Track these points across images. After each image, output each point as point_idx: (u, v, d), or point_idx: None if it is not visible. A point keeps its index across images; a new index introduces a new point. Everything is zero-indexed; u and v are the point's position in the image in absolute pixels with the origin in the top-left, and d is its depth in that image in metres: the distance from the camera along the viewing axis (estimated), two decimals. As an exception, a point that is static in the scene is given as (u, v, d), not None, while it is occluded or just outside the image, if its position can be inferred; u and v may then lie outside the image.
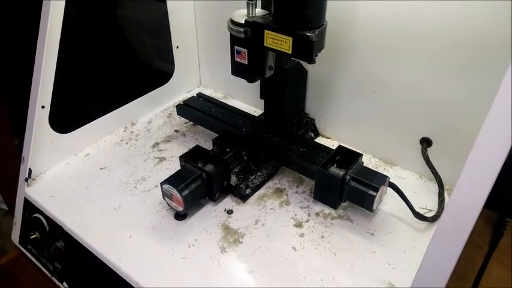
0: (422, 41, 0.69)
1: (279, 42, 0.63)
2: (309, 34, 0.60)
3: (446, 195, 0.73)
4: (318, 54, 0.64)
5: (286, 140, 0.82)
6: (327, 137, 0.92)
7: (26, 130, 0.79)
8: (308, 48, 0.61)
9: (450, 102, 0.71)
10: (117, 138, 0.93)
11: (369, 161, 0.85)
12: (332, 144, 0.89)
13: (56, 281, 0.77)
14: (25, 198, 0.80)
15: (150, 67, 1.05)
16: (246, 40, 0.67)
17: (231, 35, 0.70)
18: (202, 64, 1.09)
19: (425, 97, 0.73)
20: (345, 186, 0.70)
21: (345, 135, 0.89)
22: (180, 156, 0.75)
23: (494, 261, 0.78)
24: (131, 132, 0.95)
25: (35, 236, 0.78)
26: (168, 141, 0.92)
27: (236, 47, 0.70)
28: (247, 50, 0.69)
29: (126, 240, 0.69)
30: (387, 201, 0.74)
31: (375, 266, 0.64)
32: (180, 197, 0.68)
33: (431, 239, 0.40)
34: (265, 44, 0.65)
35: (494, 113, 0.36)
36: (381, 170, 0.82)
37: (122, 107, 0.94)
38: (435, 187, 0.75)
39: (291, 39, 0.62)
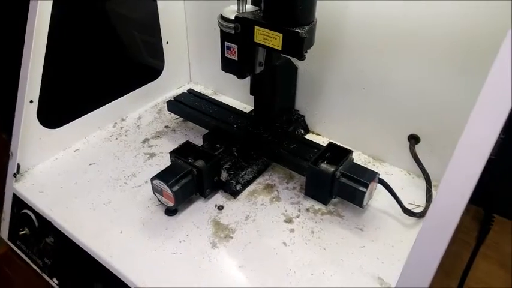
0: (411, 39, 0.70)
1: (269, 38, 0.63)
2: (299, 30, 0.61)
3: (434, 191, 0.75)
4: (308, 50, 0.65)
5: (277, 137, 0.82)
6: (317, 134, 0.93)
7: (14, 125, 0.78)
8: (298, 44, 0.61)
9: (438, 99, 0.72)
10: (106, 134, 0.92)
11: (358, 158, 0.86)
12: (322, 140, 0.90)
13: (46, 276, 0.77)
14: (14, 193, 0.80)
15: (140, 63, 1.04)
16: (236, 36, 0.67)
17: (221, 31, 0.70)
18: (192, 60, 1.09)
19: (414, 94, 0.74)
20: (335, 182, 0.70)
21: (334, 131, 0.90)
22: (170, 152, 0.75)
23: (481, 257, 0.79)
24: (121, 127, 0.94)
25: (24, 231, 0.77)
26: (158, 137, 0.92)
27: (226, 43, 0.70)
28: (238, 46, 0.69)
29: (116, 236, 0.69)
30: (376, 198, 0.75)
31: (364, 260, 0.65)
32: (171, 193, 0.68)
33: (417, 234, 0.41)
34: (255, 40, 0.65)
35: (478, 109, 0.37)
36: (369, 167, 0.83)
37: (112, 102, 0.94)
38: (423, 183, 0.76)
39: (281, 35, 0.62)
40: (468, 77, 0.67)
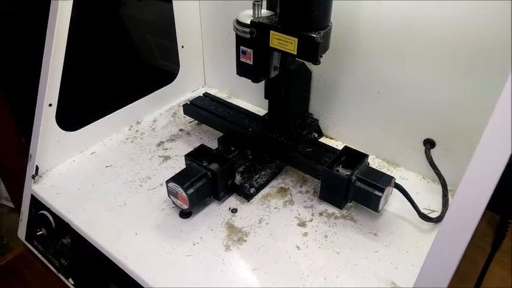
0: (426, 42, 0.70)
1: (284, 43, 0.64)
2: (314, 35, 0.61)
3: (449, 196, 0.74)
4: (323, 55, 0.65)
5: (292, 140, 0.82)
6: (331, 138, 0.93)
7: (33, 128, 0.80)
8: (313, 49, 0.62)
9: (454, 103, 0.71)
10: (122, 137, 0.94)
11: (372, 162, 0.85)
12: (336, 144, 0.90)
13: (62, 277, 0.78)
14: (32, 195, 0.81)
15: (156, 67, 1.05)
16: (251, 40, 0.68)
17: (237, 35, 0.70)
18: (207, 64, 1.10)
19: (429, 98, 0.74)
20: (350, 186, 0.70)
21: (348, 135, 0.90)
22: (185, 155, 0.76)
23: (496, 263, 0.78)
24: (136, 130, 0.96)
25: (41, 232, 0.79)
26: (173, 140, 0.93)
27: (241, 47, 0.71)
28: (253, 51, 0.70)
29: (131, 238, 0.70)
30: (391, 202, 0.75)
31: (378, 265, 0.65)
32: (185, 195, 0.69)
33: (434, 239, 0.40)
34: (270, 45, 0.66)
35: (497, 114, 0.37)
36: (384, 171, 0.82)
37: (128, 105, 0.95)
38: (438, 188, 0.75)
39: (296, 40, 0.62)
40: (485, 81, 0.66)
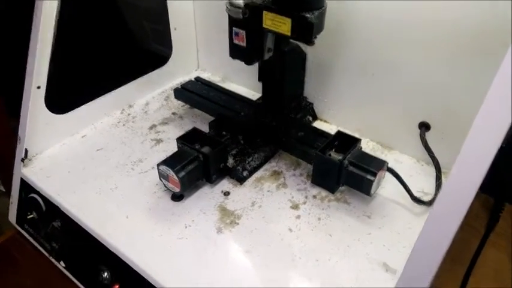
0: (422, 24, 0.69)
1: (278, 23, 0.62)
2: (308, 15, 0.60)
3: (443, 179, 0.73)
4: (317, 36, 0.64)
5: (284, 124, 0.81)
6: (325, 121, 0.92)
7: (21, 110, 0.78)
8: (307, 30, 0.60)
9: (450, 85, 0.71)
10: (114, 120, 0.92)
11: (366, 145, 0.85)
12: (330, 128, 0.89)
13: (53, 260, 0.78)
14: (21, 178, 0.80)
15: (147, 49, 1.04)
16: (244, 21, 0.67)
17: (229, 16, 0.69)
18: (200, 47, 1.08)
19: (425, 80, 0.73)
20: (343, 170, 0.70)
21: (343, 119, 0.89)
22: (177, 138, 0.75)
23: (491, 245, 0.78)
24: (128, 114, 0.94)
25: (32, 216, 0.78)
26: (166, 123, 0.92)
27: (234, 29, 0.69)
28: (246, 32, 0.68)
29: (122, 221, 0.69)
30: (385, 185, 0.74)
31: (370, 247, 0.64)
32: (177, 178, 0.68)
33: (426, 220, 0.40)
34: (264, 26, 0.64)
35: (491, 97, 0.36)
36: (378, 154, 0.82)
37: (119, 88, 0.93)
38: (432, 171, 0.75)
39: (290, 20, 0.61)
40: (481, 63, 0.65)
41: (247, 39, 0.69)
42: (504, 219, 0.79)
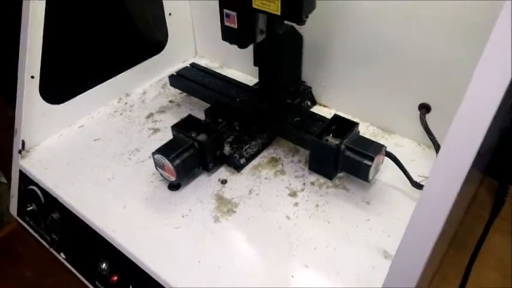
0: (422, 3, 0.66)
1: (267, 3, 0.60)
2: (298, -6, 0.58)
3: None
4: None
5: (280, 110, 0.80)
6: (324, 106, 0.90)
7: (16, 101, 0.78)
8: (297, 8, 0.58)
9: (450, 65, 0.68)
10: (111, 110, 0.91)
11: (366, 129, 0.83)
12: (329, 112, 0.87)
13: (54, 251, 0.78)
14: (20, 170, 0.80)
15: (142, 36, 1.02)
16: (234, 2, 0.65)
17: (220, -2, 0.67)
18: (197, 33, 1.06)
19: (425, 61, 0.71)
20: (340, 156, 0.68)
21: (342, 103, 0.87)
22: (172, 126, 0.74)
23: (495, 230, 0.77)
24: (125, 103, 0.94)
25: (31, 207, 0.78)
26: (163, 111, 0.91)
27: (225, 11, 0.67)
28: (237, 14, 0.66)
29: (120, 211, 0.69)
30: (384, 170, 0.72)
31: (369, 234, 0.63)
32: (172, 167, 0.67)
33: (417, 201, 0.38)
34: (253, 6, 0.62)
35: (480, 70, 0.35)
36: (378, 138, 0.81)
37: (115, 77, 0.92)
38: (434, 155, 0.73)
39: (279, -1, 0.59)
40: (482, 40, 0.63)
41: (238, 21, 0.67)
42: (510, 203, 0.77)
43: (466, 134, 0.35)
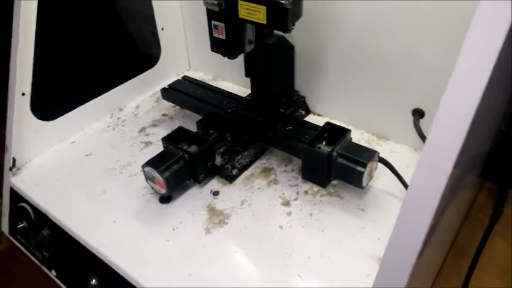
0: (411, 9, 0.66)
1: (253, 12, 0.60)
2: (282, 1, 0.57)
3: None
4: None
5: (272, 120, 0.79)
6: (318, 114, 0.89)
7: (7, 118, 0.78)
8: (282, 16, 0.58)
9: (441, 69, 0.67)
10: (103, 125, 0.91)
11: (361, 137, 0.82)
12: (323, 121, 0.85)
13: (45, 269, 0.76)
14: (11, 187, 0.80)
15: (135, 51, 1.02)
16: (221, 13, 0.65)
17: (207, 9, 0.67)
18: (190, 46, 1.07)
19: (416, 67, 0.70)
20: (332, 163, 0.67)
21: (336, 111, 0.86)
22: (162, 138, 0.73)
23: (496, 234, 0.75)
24: (118, 118, 0.93)
25: (22, 225, 0.77)
26: (156, 125, 0.90)
27: (213, 22, 0.68)
28: (224, 24, 0.66)
29: (109, 226, 0.68)
30: (380, 177, 0.71)
31: (364, 242, 0.62)
32: (162, 179, 0.66)
33: (402, 202, 0.37)
34: (240, 16, 0.62)
35: (460, 68, 0.34)
36: (373, 145, 0.79)
37: (108, 92, 0.92)
38: (429, 160, 0.71)
39: (265, 8, 0.59)
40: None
41: (226, 32, 0.67)
42: (510, 208, 0.75)
43: (446, 134, 0.34)
